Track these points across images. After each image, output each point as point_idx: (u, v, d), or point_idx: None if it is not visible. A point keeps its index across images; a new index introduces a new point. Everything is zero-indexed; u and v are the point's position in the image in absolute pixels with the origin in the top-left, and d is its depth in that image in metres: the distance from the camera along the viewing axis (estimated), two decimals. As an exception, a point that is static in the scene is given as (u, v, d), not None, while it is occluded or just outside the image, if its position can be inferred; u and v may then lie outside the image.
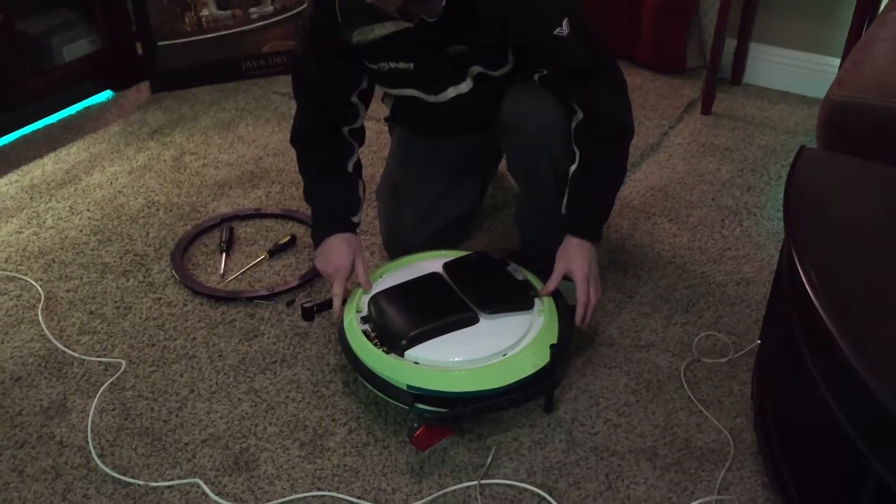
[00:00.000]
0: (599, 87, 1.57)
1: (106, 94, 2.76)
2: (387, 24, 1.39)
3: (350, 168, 1.72)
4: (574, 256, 1.60)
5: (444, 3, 1.44)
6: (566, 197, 1.63)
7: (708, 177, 2.28)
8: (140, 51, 2.76)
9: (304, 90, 1.73)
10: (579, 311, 1.59)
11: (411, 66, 1.60)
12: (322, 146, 1.71)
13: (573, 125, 1.59)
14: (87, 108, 2.69)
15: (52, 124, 2.59)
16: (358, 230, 1.71)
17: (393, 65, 1.61)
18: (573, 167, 1.60)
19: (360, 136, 1.76)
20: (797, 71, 2.69)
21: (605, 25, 2.79)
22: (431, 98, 1.66)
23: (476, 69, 1.61)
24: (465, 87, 1.64)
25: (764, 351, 1.59)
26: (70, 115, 2.64)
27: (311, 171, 1.74)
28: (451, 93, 1.64)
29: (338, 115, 1.70)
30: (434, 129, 1.82)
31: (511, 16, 1.52)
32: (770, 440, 1.41)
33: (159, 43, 2.71)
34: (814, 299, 1.15)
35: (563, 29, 1.49)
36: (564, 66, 1.55)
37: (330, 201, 1.70)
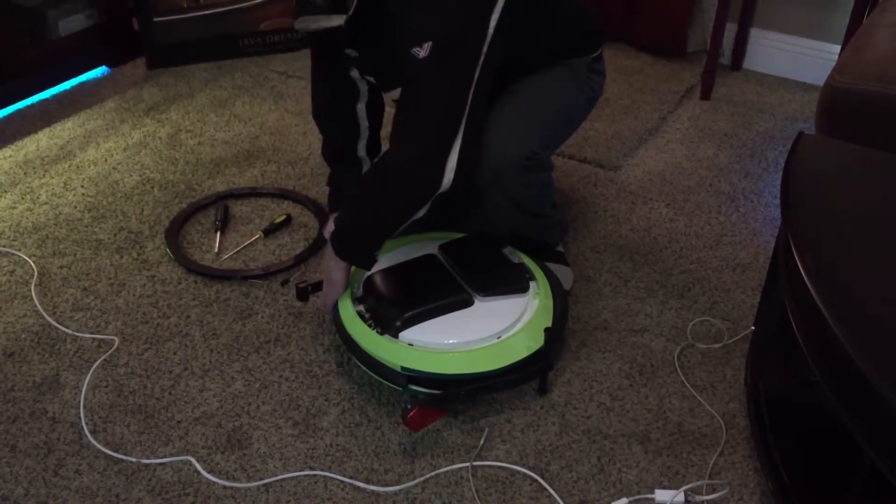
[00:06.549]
0: (404, 119, 1.43)
1: (101, 70, 2.74)
2: (333, 18, 1.38)
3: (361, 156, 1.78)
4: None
5: (353, 6, 1.38)
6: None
7: (706, 162, 2.28)
8: (136, 26, 2.73)
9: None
10: None
11: (358, 55, 1.57)
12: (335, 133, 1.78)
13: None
14: (83, 84, 2.67)
15: (47, 99, 2.57)
16: None
17: (352, 52, 1.59)
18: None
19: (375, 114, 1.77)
20: (797, 57, 2.68)
21: (604, 8, 2.78)
22: (386, 93, 1.60)
23: None
24: None
25: (758, 337, 1.59)
26: (65, 90, 2.62)
27: (328, 158, 1.84)
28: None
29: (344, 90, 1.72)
30: None
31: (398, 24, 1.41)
32: (762, 426, 1.41)
33: (156, 18, 2.69)
34: (809, 286, 1.15)
35: (422, 51, 1.36)
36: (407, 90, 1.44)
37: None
